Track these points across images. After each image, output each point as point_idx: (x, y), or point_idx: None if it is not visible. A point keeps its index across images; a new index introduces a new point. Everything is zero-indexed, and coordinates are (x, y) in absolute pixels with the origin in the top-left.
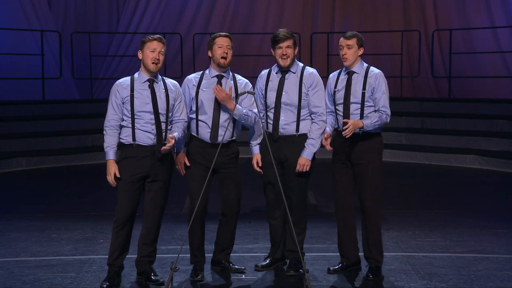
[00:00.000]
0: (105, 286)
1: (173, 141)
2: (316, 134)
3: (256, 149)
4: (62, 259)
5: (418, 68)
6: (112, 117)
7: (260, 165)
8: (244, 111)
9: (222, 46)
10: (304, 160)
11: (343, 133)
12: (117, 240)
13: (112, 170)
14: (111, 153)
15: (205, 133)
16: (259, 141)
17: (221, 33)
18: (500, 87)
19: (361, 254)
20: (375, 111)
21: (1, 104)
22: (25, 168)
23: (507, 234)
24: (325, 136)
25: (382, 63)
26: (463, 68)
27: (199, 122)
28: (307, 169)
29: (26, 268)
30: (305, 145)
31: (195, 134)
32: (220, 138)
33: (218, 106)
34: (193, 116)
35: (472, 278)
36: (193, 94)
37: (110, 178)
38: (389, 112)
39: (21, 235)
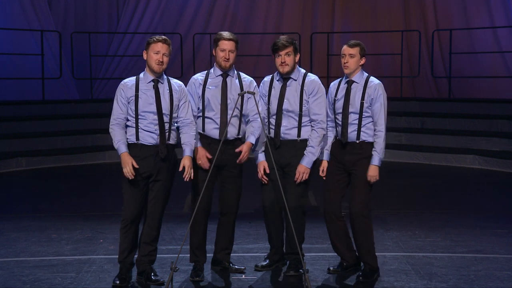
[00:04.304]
0: (118, 282)
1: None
2: (316, 142)
3: (261, 156)
4: (62, 259)
5: (418, 68)
6: (118, 115)
7: (267, 172)
8: (256, 136)
9: (224, 50)
10: (304, 168)
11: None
12: (125, 239)
13: (129, 161)
14: (123, 147)
15: (212, 129)
16: (263, 148)
17: (225, 36)
18: (500, 87)
19: None
20: (372, 121)
21: (1, 104)
22: (25, 168)
23: (507, 234)
24: (322, 167)
25: (382, 63)
26: (463, 68)
27: (206, 119)
28: (306, 177)
29: (26, 268)
30: (305, 153)
31: (201, 132)
32: (227, 135)
33: (225, 103)
34: (200, 114)
35: (472, 278)
36: (200, 92)
37: (128, 169)
38: (384, 128)
39: (21, 235)
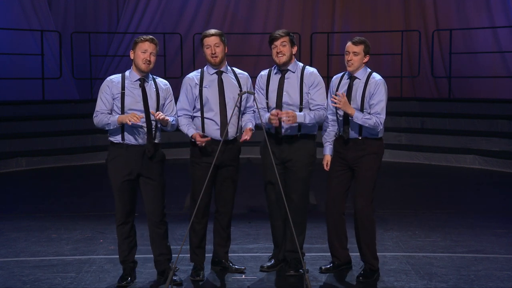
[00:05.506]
0: (123, 283)
1: (165, 117)
2: (312, 116)
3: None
4: (62, 259)
5: (418, 68)
6: (101, 110)
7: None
8: (253, 123)
9: (209, 46)
10: (292, 113)
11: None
12: (121, 237)
13: (127, 115)
14: (115, 117)
15: (213, 130)
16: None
17: (206, 32)
18: (500, 87)
19: (354, 254)
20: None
21: (1, 104)
22: (25, 168)
23: (507, 234)
24: (325, 161)
25: (382, 63)
26: (463, 68)
27: (206, 120)
28: (289, 119)
29: (26, 268)
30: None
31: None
32: (228, 135)
33: (223, 102)
34: (198, 114)
35: (472, 278)
36: (197, 92)
37: (131, 116)
38: (382, 119)
39: (21, 235)
